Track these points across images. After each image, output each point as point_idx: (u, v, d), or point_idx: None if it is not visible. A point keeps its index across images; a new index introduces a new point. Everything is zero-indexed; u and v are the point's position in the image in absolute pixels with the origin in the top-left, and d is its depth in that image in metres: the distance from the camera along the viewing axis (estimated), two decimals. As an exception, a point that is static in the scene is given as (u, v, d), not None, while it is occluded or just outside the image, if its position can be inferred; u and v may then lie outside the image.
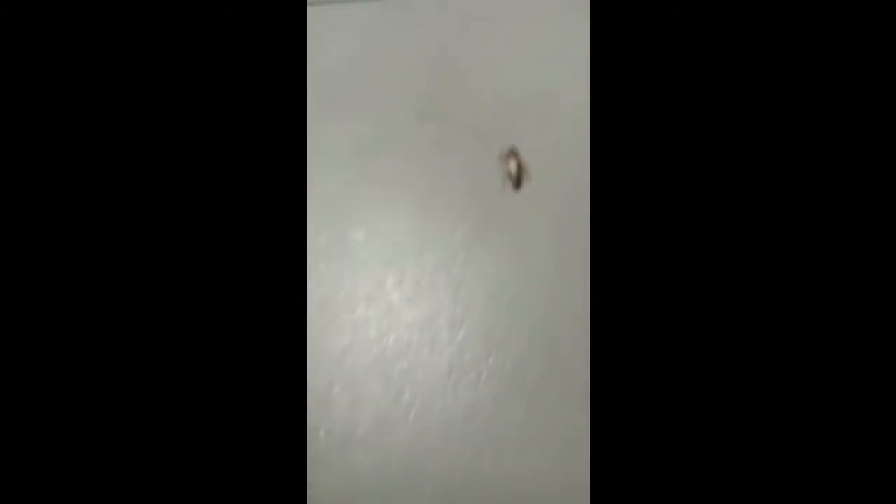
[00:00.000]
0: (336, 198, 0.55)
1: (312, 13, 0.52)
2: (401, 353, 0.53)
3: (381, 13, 0.59)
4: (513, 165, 0.55)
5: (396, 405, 0.52)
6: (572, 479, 0.48)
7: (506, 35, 0.58)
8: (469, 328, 0.53)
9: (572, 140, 0.54)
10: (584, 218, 0.52)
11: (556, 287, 0.53)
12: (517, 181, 0.55)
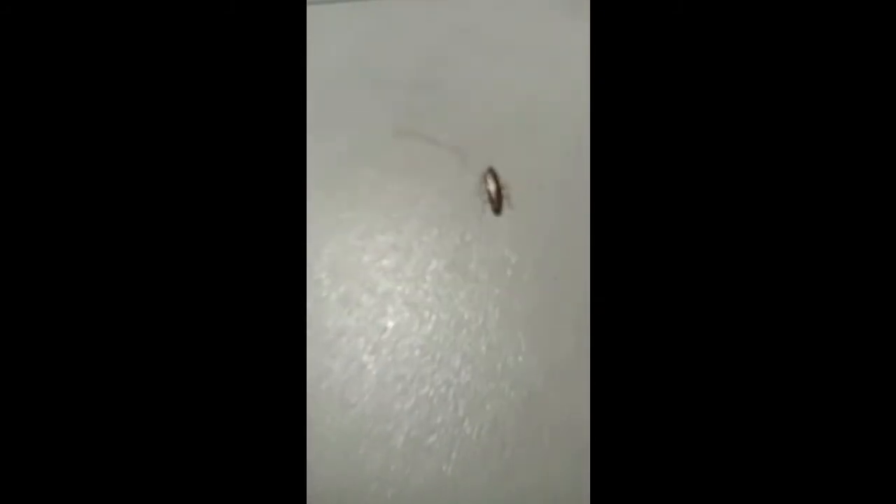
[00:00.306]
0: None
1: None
2: (363, 413, 0.46)
3: (363, 19, 0.55)
4: (492, 187, 0.48)
5: (359, 475, 0.45)
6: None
7: (495, 50, 0.54)
8: (441, 387, 0.45)
9: (561, 162, 0.48)
10: (572, 251, 0.47)
11: (540, 338, 0.46)
12: (497, 204, 0.48)
